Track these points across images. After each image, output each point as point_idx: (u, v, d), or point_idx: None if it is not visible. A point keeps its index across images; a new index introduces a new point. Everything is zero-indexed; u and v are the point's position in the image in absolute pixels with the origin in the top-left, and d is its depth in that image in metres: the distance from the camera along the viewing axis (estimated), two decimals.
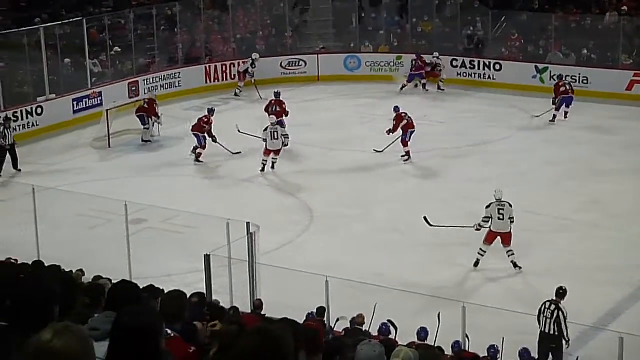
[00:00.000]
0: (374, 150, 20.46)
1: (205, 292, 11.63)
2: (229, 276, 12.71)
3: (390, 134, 20.05)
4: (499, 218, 14.49)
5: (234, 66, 26.79)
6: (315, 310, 11.37)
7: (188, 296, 6.32)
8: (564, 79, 23.43)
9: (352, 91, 26.27)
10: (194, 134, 20.46)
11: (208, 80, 26.84)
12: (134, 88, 24.77)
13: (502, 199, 14.61)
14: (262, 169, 19.57)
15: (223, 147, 20.44)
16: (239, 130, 20.52)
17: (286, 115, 21.31)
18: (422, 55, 26.25)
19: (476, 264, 14.68)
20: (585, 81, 24.89)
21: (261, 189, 18.96)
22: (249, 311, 11.44)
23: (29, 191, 14.56)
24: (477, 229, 14.67)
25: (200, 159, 20.32)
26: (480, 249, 14.64)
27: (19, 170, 19.83)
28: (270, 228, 14.69)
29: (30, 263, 9.72)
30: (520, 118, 23.39)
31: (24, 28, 23.50)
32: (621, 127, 22.26)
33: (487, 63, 26.54)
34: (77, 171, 19.90)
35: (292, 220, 16.86)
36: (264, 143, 19.55)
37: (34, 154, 20.98)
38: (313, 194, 18.22)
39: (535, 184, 18.33)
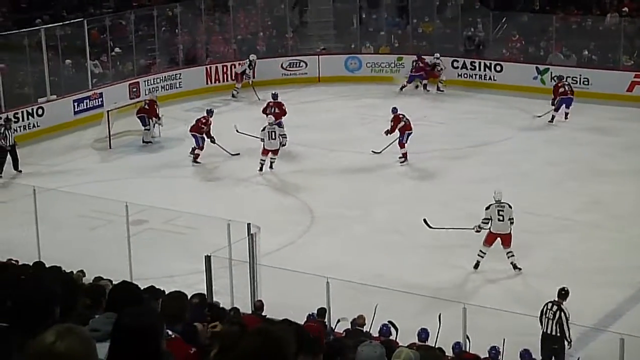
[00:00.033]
0: (372, 151, 20.46)
1: (206, 293, 11.63)
2: (230, 277, 12.71)
3: (388, 135, 20.06)
4: (499, 220, 14.48)
5: (234, 67, 26.78)
6: (316, 312, 11.38)
7: (189, 297, 6.31)
8: (564, 80, 23.40)
9: (353, 92, 26.24)
10: (192, 135, 20.49)
11: (209, 82, 26.82)
12: (134, 89, 24.78)
13: (502, 201, 14.60)
14: (261, 169, 19.58)
15: (222, 148, 20.45)
16: (237, 131, 20.52)
17: (284, 115, 21.27)
18: (423, 57, 26.25)
19: (476, 266, 14.67)
20: (586, 82, 24.86)
21: (262, 190, 18.96)
22: (250, 312, 11.43)
23: (30, 192, 14.57)
24: (477, 231, 14.66)
25: (198, 160, 20.33)
26: (481, 250, 14.62)
27: (20, 171, 19.82)
28: (271, 229, 14.69)
29: (31, 264, 9.74)
30: (521, 119, 23.34)
31: (25, 29, 23.47)
32: (622, 129, 22.23)
33: (488, 64, 26.50)
34: (78, 172, 19.89)
35: (293, 221, 16.86)
36: (262, 143, 19.57)
37: (35, 155, 20.97)
38: (314, 195, 18.21)
39: (536, 185, 18.32)
